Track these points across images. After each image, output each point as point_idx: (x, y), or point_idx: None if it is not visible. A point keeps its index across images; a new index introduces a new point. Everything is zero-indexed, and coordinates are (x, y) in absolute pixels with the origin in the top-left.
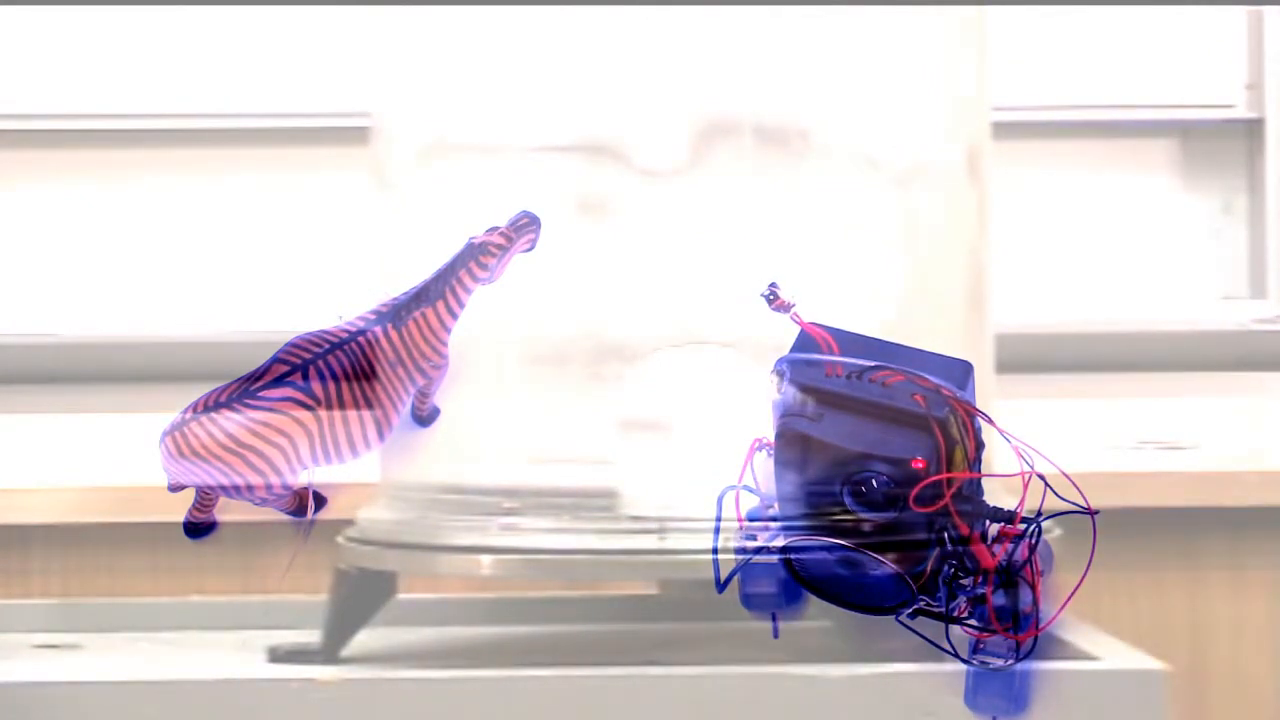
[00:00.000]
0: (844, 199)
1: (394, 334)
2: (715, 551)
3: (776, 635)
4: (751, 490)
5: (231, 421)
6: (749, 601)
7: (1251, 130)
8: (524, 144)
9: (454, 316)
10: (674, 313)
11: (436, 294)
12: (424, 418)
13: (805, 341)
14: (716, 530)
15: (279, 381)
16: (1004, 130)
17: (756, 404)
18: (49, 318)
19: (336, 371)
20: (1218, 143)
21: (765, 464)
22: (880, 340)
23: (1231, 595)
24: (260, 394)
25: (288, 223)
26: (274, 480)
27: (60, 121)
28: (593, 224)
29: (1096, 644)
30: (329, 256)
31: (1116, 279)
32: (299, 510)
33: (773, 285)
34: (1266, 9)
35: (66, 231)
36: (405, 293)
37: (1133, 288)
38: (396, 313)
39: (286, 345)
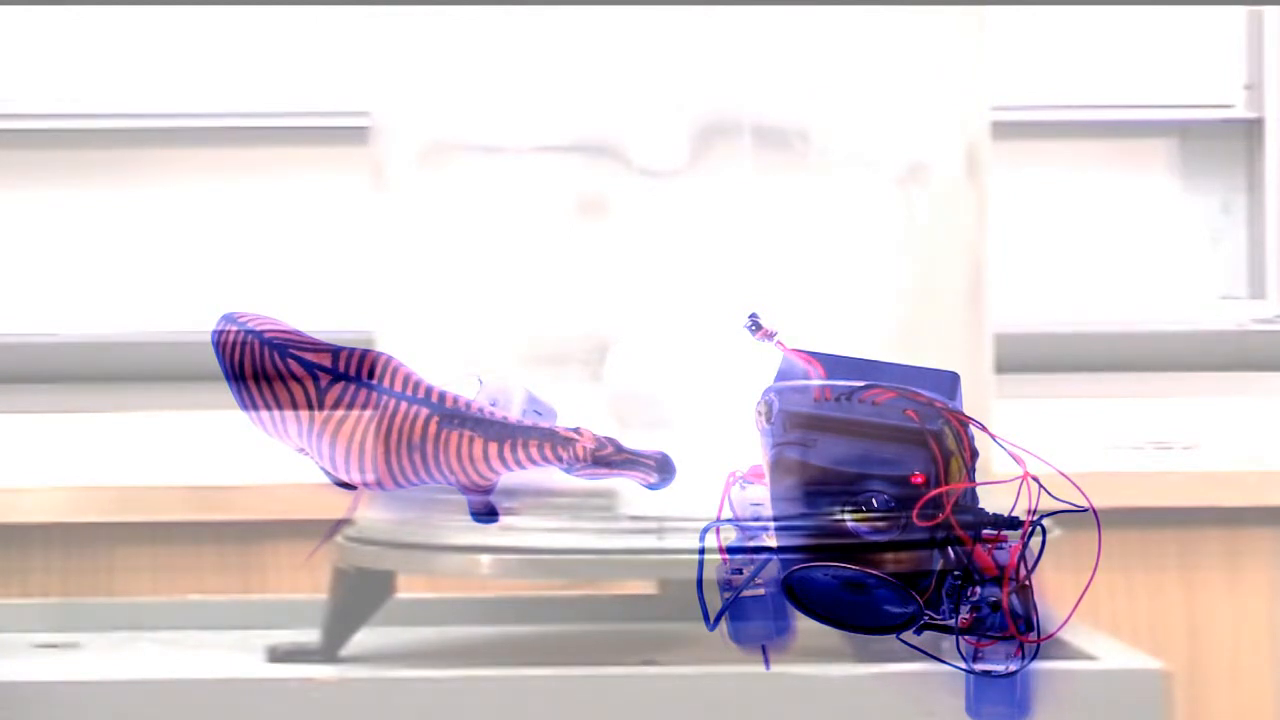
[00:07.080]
0: (843, 199)
1: (431, 428)
2: (700, 588)
3: (768, 667)
4: (733, 523)
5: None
6: (737, 636)
7: (1250, 130)
8: (523, 144)
9: (506, 468)
10: (673, 313)
11: (500, 434)
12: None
13: (789, 369)
14: (700, 567)
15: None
16: (1004, 130)
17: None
18: (49, 318)
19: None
20: (1217, 143)
21: (741, 496)
22: (865, 360)
23: (1230, 595)
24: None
25: (287, 223)
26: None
27: (60, 121)
28: (592, 224)
29: (1095, 643)
30: (328, 257)
31: (1116, 279)
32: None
33: (753, 316)
34: (1266, 9)
35: (66, 231)
36: (468, 400)
37: (1132, 287)
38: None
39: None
